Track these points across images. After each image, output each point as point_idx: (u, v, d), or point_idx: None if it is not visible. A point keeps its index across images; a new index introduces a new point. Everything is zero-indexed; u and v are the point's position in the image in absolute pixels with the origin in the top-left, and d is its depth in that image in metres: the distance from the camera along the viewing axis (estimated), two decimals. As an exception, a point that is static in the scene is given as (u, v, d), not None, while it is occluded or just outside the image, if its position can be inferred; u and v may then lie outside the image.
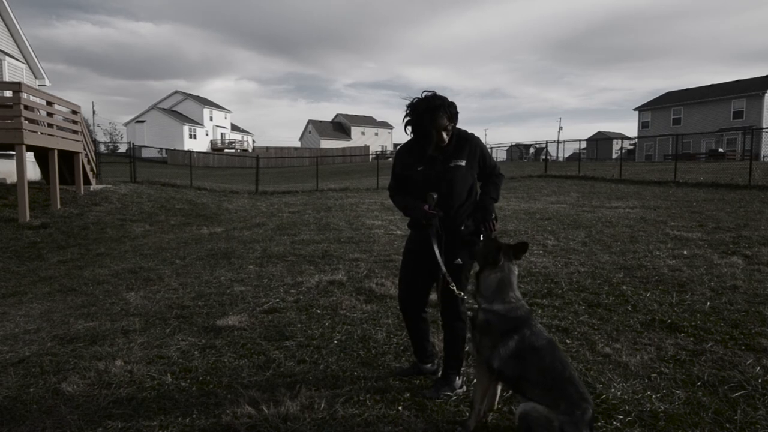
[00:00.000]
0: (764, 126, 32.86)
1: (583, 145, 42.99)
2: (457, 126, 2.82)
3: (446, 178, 2.75)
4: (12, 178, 12.51)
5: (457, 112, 2.72)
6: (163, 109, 60.33)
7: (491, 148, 33.58)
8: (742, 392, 2.76)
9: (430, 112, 2.64)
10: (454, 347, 2.89)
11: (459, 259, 2.74)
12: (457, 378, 2.90)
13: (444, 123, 2.67)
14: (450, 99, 2.69)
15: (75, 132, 12.04)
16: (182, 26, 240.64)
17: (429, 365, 3.06)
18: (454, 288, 2.68)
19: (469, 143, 2.79)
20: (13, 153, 10.80)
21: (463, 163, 2.75)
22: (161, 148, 43.84)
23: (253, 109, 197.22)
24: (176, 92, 64.24)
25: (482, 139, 2.98)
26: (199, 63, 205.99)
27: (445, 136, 2.70)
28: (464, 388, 2.90)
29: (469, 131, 2.86)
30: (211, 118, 63.35)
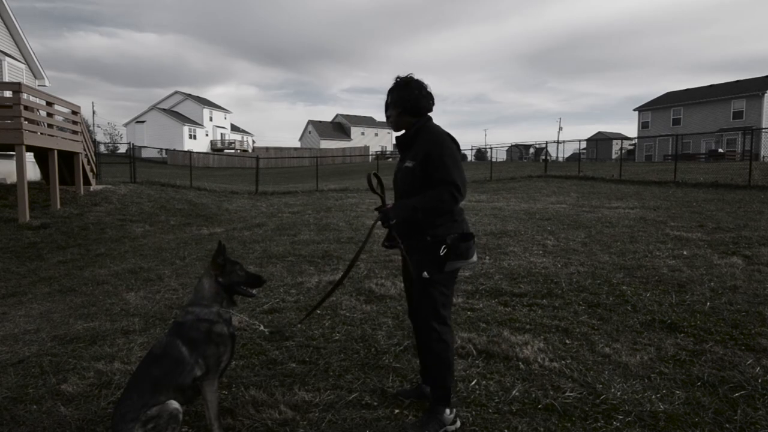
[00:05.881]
0: (764, 126, 32.88)
1: (583, 145, 43.05)
2: (437, 123, 2.55)
3: (398, 179, 2.57)
4: (12, 178, 12.51)
5: (399, 99, 2.49)
6: (163, 109, 60.25)
7: (490, 148, 33.07)
8: (742, 392, 2.76)
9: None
10: (435, 370, 2.45)
11: (425, 272, 2.38)
12: (447, 411, 2.43)
13: (386, 108, 2.58)
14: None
15: (75, 132, 12.03)
16: (186, 38, 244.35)
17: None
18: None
19: (421, 142, 2.46)
20: (13, 153, 10.80)
21: (411, 164, 2.45)
22: (161, 149, 43.80)
23: (253, 111, 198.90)
24: (176, 92, 64.10)
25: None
26: (202, 72, 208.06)
27: (390, 121, 2.59)
28: (458, 423, 2.47)
29: (446, 130, 2.51)
30: (210, 119, 63.32)
